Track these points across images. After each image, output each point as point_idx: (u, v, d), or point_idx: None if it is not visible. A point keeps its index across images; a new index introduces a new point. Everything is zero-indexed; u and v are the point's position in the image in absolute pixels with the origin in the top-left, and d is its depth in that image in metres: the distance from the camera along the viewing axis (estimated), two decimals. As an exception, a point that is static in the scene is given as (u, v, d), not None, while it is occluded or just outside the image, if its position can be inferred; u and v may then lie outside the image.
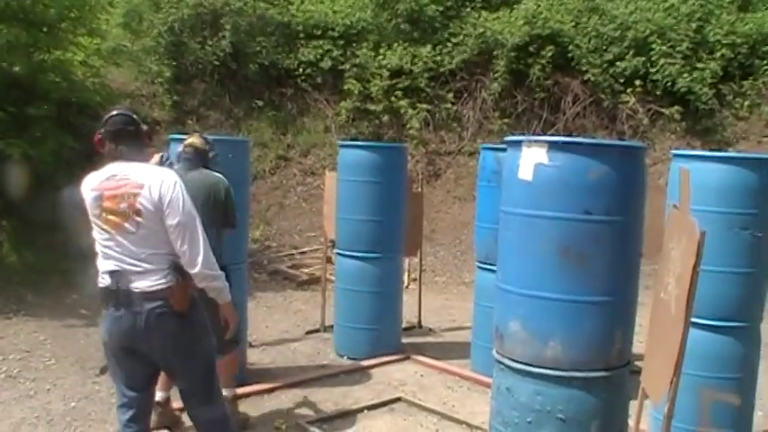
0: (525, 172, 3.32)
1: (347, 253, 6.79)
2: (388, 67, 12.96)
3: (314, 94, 13.13)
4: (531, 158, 3.30)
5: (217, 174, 4.81)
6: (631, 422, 3.61)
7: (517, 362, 3.40)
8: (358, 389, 5.95)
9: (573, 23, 13.25)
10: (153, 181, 3.39)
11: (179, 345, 3.49)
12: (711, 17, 13.14)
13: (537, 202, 3.31)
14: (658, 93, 12.86)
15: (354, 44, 13.31)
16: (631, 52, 12.91)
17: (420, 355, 6.80)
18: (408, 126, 12.67)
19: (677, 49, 12.71)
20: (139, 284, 3.39)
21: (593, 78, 12.93)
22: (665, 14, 13.09)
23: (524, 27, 12.94)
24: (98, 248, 3.51)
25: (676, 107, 12.54)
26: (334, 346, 6.95)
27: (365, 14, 13.57)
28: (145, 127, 3.64)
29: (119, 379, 3.63)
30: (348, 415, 5.37)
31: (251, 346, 6.66)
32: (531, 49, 13.00)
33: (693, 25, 12.91)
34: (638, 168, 3.41)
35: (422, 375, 6.34)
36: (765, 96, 12.75)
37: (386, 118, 12.83)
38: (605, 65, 13.01)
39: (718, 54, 12.76)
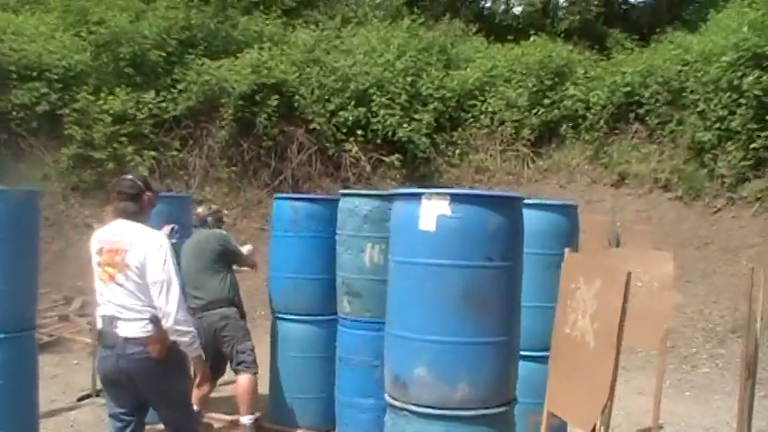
0: (427, 223, 3.46)
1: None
2: (111, 112, 12.37)
3: (30, 140, 12.11)
4: (433, 210, 3.45)
5: (213, 231, 6.11)
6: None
7: (425, 406, 3.49)
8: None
9: (297, 74, 13.60)
10: (140, 241, 3.97)
11: (154, 386, 4.02)
12: (423, 73, 14.16)
13: (440, 252, 3.47)
14: (379, 141, 13.58)
15: (74, 87, 12.53)
16: (353, 103, 13.52)
17: (210, 412, 6.57)
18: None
19: (396, 101, 13.54)
20: (124, 330, 3.94)
21: (318, 127, 13.35)
22: (382, 69, 13.88)
23: (251, 76, 13.03)
24: (96, 294, 4.09)
25: (396, 155, 13.34)
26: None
27: (84, 57, 12.83)
28: (149, 194, 4.18)
29: (111, 405, 4.19)
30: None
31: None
32: (257, 97, 13.11)
33: (409, 79, 13.83)
34: (521, 216, 3.70)
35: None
36: (472, 146, 13.97)
37: (111, 165, 12.21)
38: (329, 114, 13.51)
39: (431, 107, 13.80)
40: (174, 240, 4.67)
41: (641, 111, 12.97)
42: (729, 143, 11.43)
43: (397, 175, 13.44)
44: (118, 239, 4.02)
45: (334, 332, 6.18)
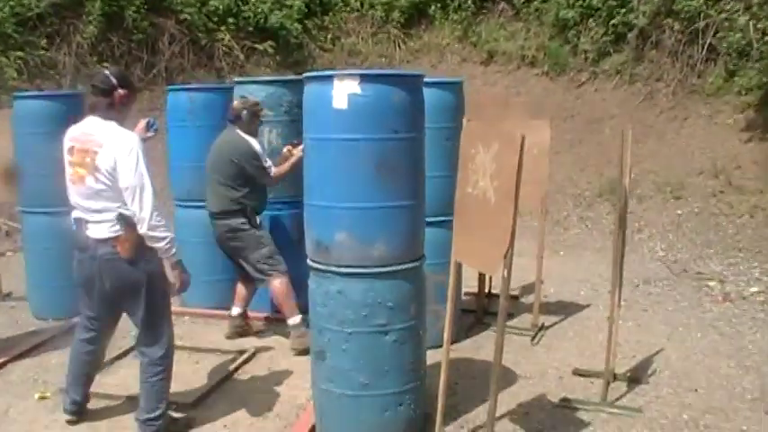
0: (340, 102, 3.77)
1: (35, 210, 6.46)
2: (-30, 12, 11.89)
3: None
4: (344, 90, 3.75)
5: (238, 140, 5.71)
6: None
7: (347, 266, 3.89)
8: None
9: (160, -37, 13.32)
10: (111, 142, 3.83)
11: (124, 287, 4.03)
12: (291, -43, 14.10)
13: (353, 127, 3.79)
14: (251, 29, 13.60)
15: (-76, -13, 11.94)
16: (222, -10, 13.43)
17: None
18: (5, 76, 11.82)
19: (266, -13, 13.54)
20: (94, 232, 3.95)
21: (188, 18, 13.22)
22: (248, -47, 13.76)
23: (115, -33, 12.69)
24: (68, 195, 4.04)
25: (269, 42, 13.43)
26: (30, 311, 6.67)
27: (-73, -48, 12.17)
28: (122, 91, 3.99)
29: (83, 305, 4.28)
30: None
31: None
32: (123, -10, 12.84)
33: (278, -36, 13.78)
34: (422, 93, 4.06)
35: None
36: (344, 30, 14.18)
37: (-23, 69, 11.79)
38: (198, 4, 13.37)
39: (302, -8, 13.85)
40: (151, 134, 4.59)
41: (507, -10, 13.40)
42: (591, 20, 12.05)
43: (271, 62, 13.58)
44: (88, 139, 3.90)
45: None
